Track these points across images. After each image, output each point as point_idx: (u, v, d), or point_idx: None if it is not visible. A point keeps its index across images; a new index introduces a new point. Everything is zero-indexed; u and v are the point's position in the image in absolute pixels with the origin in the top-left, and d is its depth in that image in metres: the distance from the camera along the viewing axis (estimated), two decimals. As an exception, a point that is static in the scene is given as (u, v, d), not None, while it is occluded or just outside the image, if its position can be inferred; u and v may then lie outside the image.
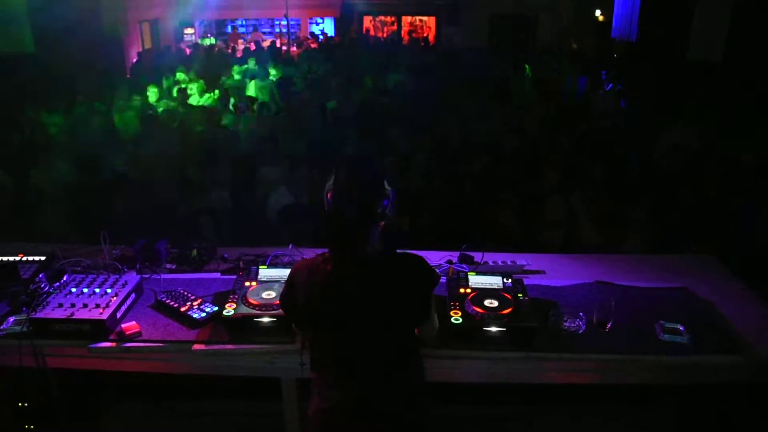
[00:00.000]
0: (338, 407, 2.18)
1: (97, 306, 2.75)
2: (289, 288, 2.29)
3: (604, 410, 3.61)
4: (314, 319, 2.20)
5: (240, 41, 18.65)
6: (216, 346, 2.68)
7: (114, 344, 2.68)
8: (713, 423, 3.22)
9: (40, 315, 2.69)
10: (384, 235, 2.16)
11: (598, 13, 16.51)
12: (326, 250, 2.24)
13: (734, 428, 3.08)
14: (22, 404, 3.02)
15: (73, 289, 2.90)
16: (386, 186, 2.18)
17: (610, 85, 10.17)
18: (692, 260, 3.63)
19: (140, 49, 15.07)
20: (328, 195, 2.16)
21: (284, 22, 18.17)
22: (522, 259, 3.41)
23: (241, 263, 3.33)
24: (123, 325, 2.73)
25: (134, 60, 14.24)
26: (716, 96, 8.55)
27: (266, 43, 16.84)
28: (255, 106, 8.47)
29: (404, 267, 2.20)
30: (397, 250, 2.26)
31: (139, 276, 3.12)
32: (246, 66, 11.68)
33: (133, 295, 2.97)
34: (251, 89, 10.25)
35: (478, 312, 2.72)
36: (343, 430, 2.18)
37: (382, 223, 2.16)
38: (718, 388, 2.94)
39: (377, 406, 2.18)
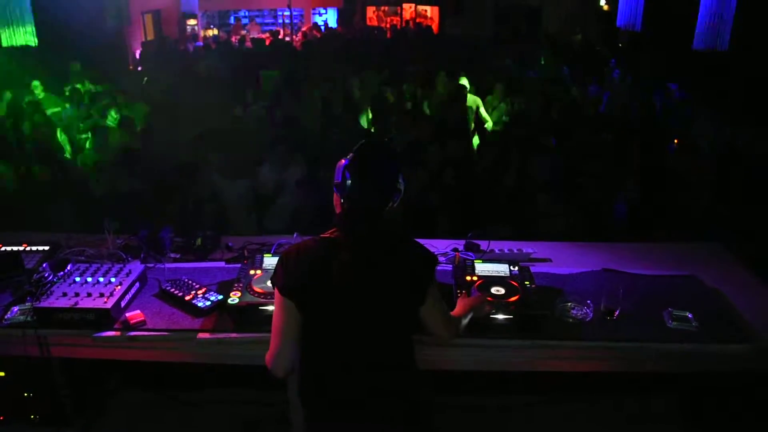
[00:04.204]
0: (335, 396, 2.15)
1: (101, 295, 2.74)
2: (282, 271, 2.14)
3: (608, 400, 3.60)
4: (312, 303, 2.11)
5: (243, 32, 18.58)
6: (221, 335, 2.67)
7: (118, 333, 2.67)
8: (718, 413, 3.20)
9: (44, 304, 2.68)
10: (390, 219, 2.15)
11: (603, 2, 16.40)
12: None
13: (739, 418, 3.06)
14: (27, 394, 3.02)
15: (77, 279, 2.89)
16: (400, 181, 2.18)
17: (616, 71, 10.02)
18: (699, 248, 3.61)
19: (142, 40, 15.03)
20: (346, 174, 2.12)
21: (287, 13, 18.12)
22: (528, 247, 3.39)
23: (245, 252, 3.32)
24: (127, 314, 2.72)
25: (137, 51, 14.22)
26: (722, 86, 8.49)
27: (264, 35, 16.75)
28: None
29: (406, 250, 2.18)
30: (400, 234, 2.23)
31: (143, 265, 3.10)
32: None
33: (137, 284, 2.95)
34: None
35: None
36: (343, 418, 2.15)
37: (390, 205, 2.15)
38: (723, 378, 2.93)
39: (377, 393, 2.15)
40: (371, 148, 2.18)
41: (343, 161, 2.16)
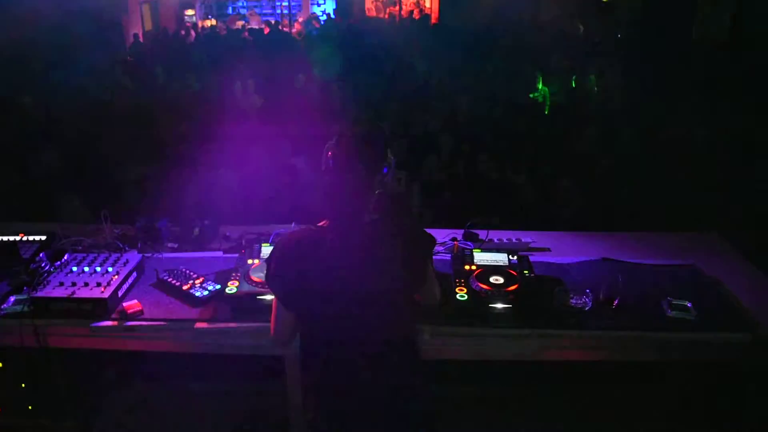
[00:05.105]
0: (337, 386, 2.14)
1: (99, 285, 2.73)
2: (278, 264, 2.13)
3: (607, 389, 3.59)
4: (307, 294, 2.10)
5: (239, 22, 18.48)
6: (219, 325, 2.66)
7: (116, 323, 2.66)
8: (717, 403, 3.20)
9: (40, 294, 2.66)
10: (381, 203, 2.11)
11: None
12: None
13: (738, 407, 3.06)
14: (24, 385, 3.01)
15: (74, 268, 2.87)
16: (389, 155, 2.14)
17: None
18: (697, 238, 3.60)
19: (139, 31, 14.94)
20: (329, 154, 2.09)
21: (285, 3, 18.05)
22: (527, 237, 3.38)
23: (243, 241, 3.30)
24: (125, 304, 2.71)
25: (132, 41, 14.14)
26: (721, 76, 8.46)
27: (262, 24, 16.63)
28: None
29: (400, 233, 2.15)
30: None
31: (140, 255, 3.09)
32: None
33: (134, 273, 2.94)
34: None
35: (484, 289, 2.70)
36: (344, 409, 2.14)
37: (381, 179, 2.11)
38: (722, 368, 2.92)
39: (379, 382, 2.14)
40: (356, 126, 2.16)
41: (329, 143, 2.13)
